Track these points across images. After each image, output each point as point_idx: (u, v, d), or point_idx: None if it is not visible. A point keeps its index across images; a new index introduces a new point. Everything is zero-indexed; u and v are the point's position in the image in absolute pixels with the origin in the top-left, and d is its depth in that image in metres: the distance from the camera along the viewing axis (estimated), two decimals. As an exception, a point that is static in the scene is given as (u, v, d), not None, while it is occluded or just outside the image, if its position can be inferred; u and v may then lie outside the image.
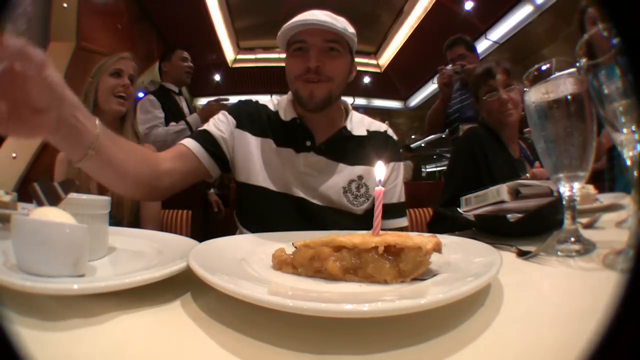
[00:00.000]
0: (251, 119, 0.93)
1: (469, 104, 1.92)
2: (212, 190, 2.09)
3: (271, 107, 0.97)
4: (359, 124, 0.97)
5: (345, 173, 0.91)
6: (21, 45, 0.39)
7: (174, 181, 0.80)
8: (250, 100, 0.98)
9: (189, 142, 0.86)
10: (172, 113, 2.09)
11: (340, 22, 0.85)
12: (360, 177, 0.92)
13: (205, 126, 0.92)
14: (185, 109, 2.23)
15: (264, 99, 1.00)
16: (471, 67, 1.94)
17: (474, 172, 1.24)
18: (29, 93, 0.42)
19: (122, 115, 1.33)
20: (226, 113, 0.94)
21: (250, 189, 0.90)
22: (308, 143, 0.91)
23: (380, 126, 1.01)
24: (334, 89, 0.87)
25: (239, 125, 0.92)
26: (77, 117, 0.52)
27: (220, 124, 0.91)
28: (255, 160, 0.90)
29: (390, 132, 1.02)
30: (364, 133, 0.96)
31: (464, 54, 2.10)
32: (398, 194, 0.98)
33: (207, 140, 0.88)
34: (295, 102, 0.93)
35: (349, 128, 0.94)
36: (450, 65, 2.10)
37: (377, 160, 0.86)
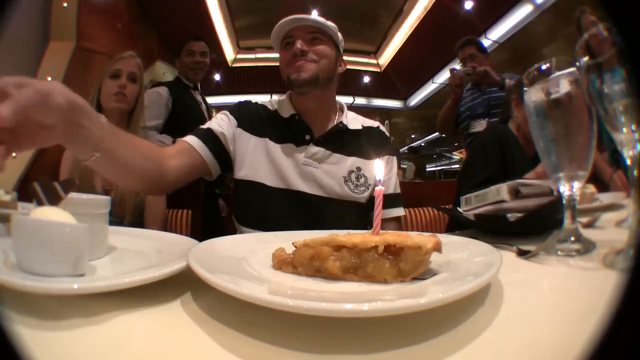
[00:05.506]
0: (251, 120, 0.97)
1: (480, 102, 2.12)
2: (220, 200, 2.04)
3: (270, 107, 1.02)
4: (354, 120, 1.04)
5: (344, 163, 0.96)
6: (17, 82, 0.41)
7: (179, 177, 0.83)
8: (250, 102, 1.03)
9: (192, 139, 0.88)
10: (188, 107, 2.02)
11: (322, 20, 0.95)
12: (358, 168, 0.97)
13: (208, 124, 0.94)
14: (203, 105, 2.14)
15: (262, 100, 1.04)
16: (482, 69, 2.03)
17: (502, 162, 1.28)
18: (34, 118, 0.44)
19: (128, 112, 1.38)
20: (227, 113, 0.97)
21: (249, 185, 0.93)
22: (307, 137, 0.96)
23: (373, 123, 1.09)
24: (319, 70, 0.93)
25: (240, 125, 0.96)
26: (82, 123, 0.53)
27: (222, 123, 0.95)
28: (254, 157, 0.94)
29: (383, 128, 1.09)
30: (359, 127, 1.03)
31: (474, 53, 2.18)
32: (393, 186, 1.04)
33: (209, 137, 0.90)
34: (293, 100, 0.99)
35: (345, 122, 1.00)
36: (460, 66, 2.20)
37: (372, 152, 0.99)
